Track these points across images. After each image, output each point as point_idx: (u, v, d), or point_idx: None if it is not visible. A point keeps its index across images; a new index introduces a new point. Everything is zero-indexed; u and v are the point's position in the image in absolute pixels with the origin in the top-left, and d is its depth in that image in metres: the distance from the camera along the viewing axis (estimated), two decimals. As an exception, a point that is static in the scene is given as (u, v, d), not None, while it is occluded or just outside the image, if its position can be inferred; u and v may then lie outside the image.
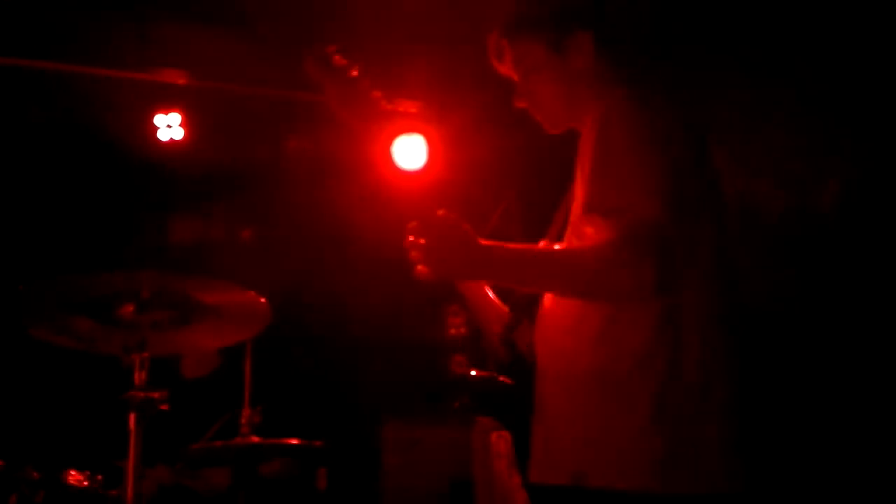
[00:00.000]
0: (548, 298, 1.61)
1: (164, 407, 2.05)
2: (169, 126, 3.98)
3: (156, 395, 2.05)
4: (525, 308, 1.72)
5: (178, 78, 3.74)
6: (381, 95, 1.58)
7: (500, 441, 3.36)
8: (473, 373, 1.70)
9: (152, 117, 3.96)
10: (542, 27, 1.64)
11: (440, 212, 1.50)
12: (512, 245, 1.48)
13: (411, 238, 1.49)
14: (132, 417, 2.01)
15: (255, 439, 2.60)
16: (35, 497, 2.03)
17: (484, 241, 1.48)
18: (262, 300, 2.26)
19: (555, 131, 1.71)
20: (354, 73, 1.57)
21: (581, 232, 1.51)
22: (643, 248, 1.37)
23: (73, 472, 2.12)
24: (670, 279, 1.40)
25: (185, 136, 3.98)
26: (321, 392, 3.93)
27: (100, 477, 2.16)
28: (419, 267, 1.49)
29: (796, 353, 2.81)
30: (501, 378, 1.70)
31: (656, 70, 1.60)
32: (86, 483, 2.13)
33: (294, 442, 2.62)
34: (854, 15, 2.78)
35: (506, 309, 1.80)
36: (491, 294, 1.84)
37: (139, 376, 2.07)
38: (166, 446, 2.57)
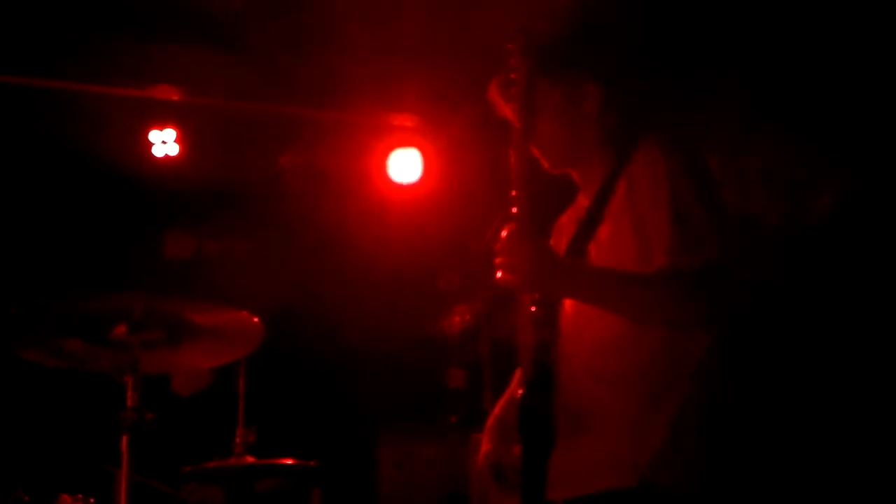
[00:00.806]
0: (584, 317, 1.63)
1: (154, 427, 2.04)
2: (164, 142, 3.98)
3: (148, 416, 2.03)
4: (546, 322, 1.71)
5: (172, 94, 3.74)
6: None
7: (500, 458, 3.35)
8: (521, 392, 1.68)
9: (147, 134, 3.96)
10: (563, 71, 1.71)
11: (527, 222, 1.52)
12: (595, 266, 1.57)
13: (500, 244, 1.53)
14: (124, 439, 2.00)
15: (250, 459, 2.59)
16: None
17: (570, 258, 1.56)
18: (255, 319, 2.25)
19: (553, 171, 1.77)
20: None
21: (624, 267, 1.58)
22: (718, 284, 1.48)
23: (65, 496, 2.11)
24: (740, 312, 1.52)
25: (179, 153, 3.98)
26: (316, 409, 3.92)
27: (92, 500, 2.14)
28: (503, 274, 1.52)
29: (795, 361, 2.81)
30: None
31: (658, 94, 1.65)
32: (78, 505, 2.12)
33: (288, 462, 2.61)
34: (848, 22, 2.80)
35: None
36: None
37: (131, 397, 2.05)
38: (161, 465, 2.55)
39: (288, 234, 4.18)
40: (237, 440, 2.62)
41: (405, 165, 4.18)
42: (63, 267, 3.71)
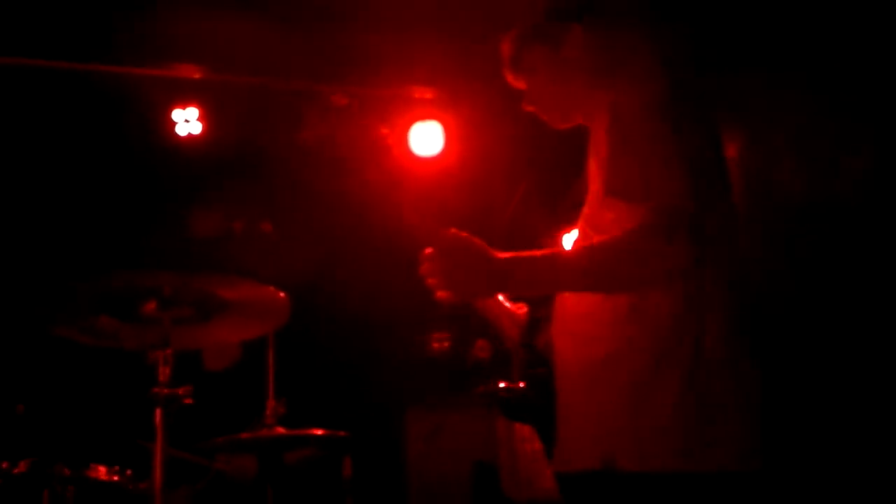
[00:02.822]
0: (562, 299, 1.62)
1: (189, 401, 2.08)
2: (187, 121, 4.00)
3: (180, 390, 2.08)
4: (539, 306, 1.73)
5: (194, 72, 3.75)
6: None
7: (525, 425, 3.37)
8: (502, 385, 1.69)
9: (170, 113, 3.99)
10: (537, 26, 1.68)
11: (450, 231, 1.50)
12: (529, 253, 1.48)
13: (426, 265, 1.51)
14: (158, 413, 2.05)
15: (281, 430, 2.63)
16: (66, 492, 2.08)
17: (500, 254, 1.48)
18: (282, 294, 2.28)
19: (560, 127, 1.72)
20: None
21: (599, 221, 1.51)
22: (674, 234, 1.37)
23: (101, 468, 2.17)
24: (700, 261, 1.41)
25: (203, 131, 4.00)
26: (344, 381, 3.96)
27: (129, 472, 2.20)
28: (439, 293, 1.50)
29: (817, 332, 2.79)
30: (521, 383, 1.70)
31: (664, 56, 1.59)
32: (115, 478, 2.18)
33: (318, 432, 2.65)
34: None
35: (520, 312, 1.81)
36: (502, 299, 1.84)
37: (163, 372, 2.10)
38: (194, 438, 2.61)
39: (311, 210, 4.21)
40: (268, 412, 2.67)
41: (426, 138, 4.18)
42: (92, 247, 3.77)
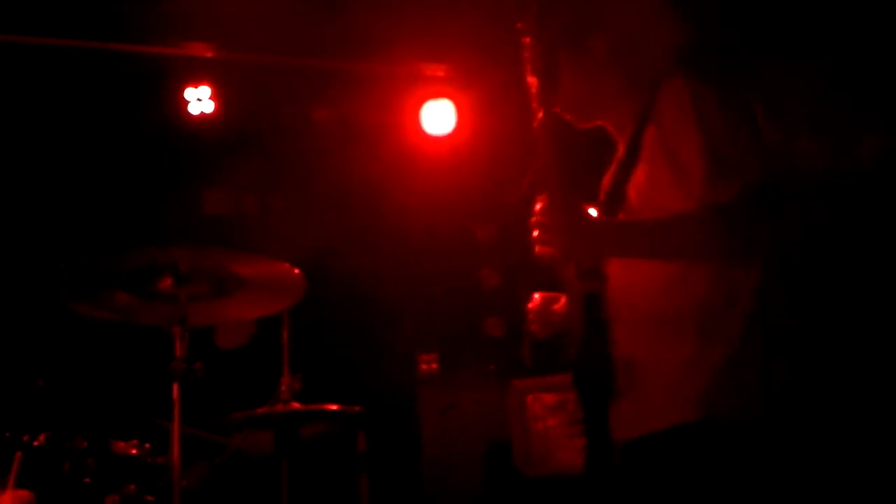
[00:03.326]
0: (631, 262, 1.62)
1: (202, 376, 2.11)
2: (199, 100, 4.01)
3: (197, 365, 2.10)
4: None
5: (205, 51, 3.75)
6: None
7: (536, 403, 3.40)
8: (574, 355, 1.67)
9: (182, 92, 4.00)
10: (565, 29, 1.71)
11: (558, 192, 1.53)
12: (625, 219, 1.57)
13: (535, 218, 1.54)
14: (175, 388, 2.07)
15: (296, 405, 2.66)
16: (86, 465, 2.11)
17: (603, 220, 1.56)
18: (297, 271, 2.29)
19: (583, 126, 1.78)
20: None
21: (661, 199, 1.57)
22: (767, 209, 1.47)
23: (120, 442, 2.20)
24: (783, 236, 1.50)
25: (215, 109, 4.01)
26: (357, 359, 3.99)
27: (147, 445, 2.24)
28: (539, 248, 1.54)
29: (840, 301, 2.79)
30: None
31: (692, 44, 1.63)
32: (133, 451, 2.21)
33: (333, 407, 2.68)
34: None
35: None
36: None
37: (180, 347, 2.12)
38: (209, 416, 2.64)
39: (323, 188, 4.21)
40: (283, 388, 2.69)
41: (438, 117, 4.16)
42: (107, 225, 3.80)
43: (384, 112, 4.15)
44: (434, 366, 4.20)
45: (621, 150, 1.73)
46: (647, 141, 1.63)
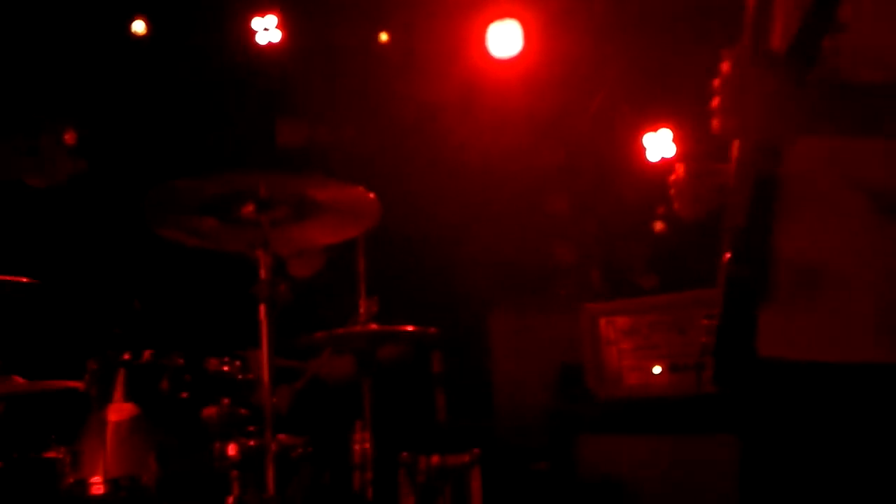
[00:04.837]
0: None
1: (289, 297, 2.18)
2: (266, 29, 4.02)
3: (281, 287, 2.17)
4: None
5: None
6: None
7: (609, 327, 3.40)
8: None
9: (250, 21, 4.02)
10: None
11: (755, 45, 1.19)
12: (849, 86, 1.16)
13: (719, 85, 1.19)
14: (262, 308, 2.15)
15: (374, 327, 2.73)
16: (183, 380, 2.24)
17: (818, 89, 1.15)
18: (372, 195, 2.31)
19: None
20: None
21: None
22: None
23: (213, 359, 2.31)
24: None
25: (282, 38, 4.02)
26: (428, 286, 4.04)
27: (238, 363, 2.34)
28: (721, 120, 1.19)
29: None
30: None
31: None
32: (226, 368, 2.32)
33: (409, 329, 2.74)
34: None
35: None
36: None
37: (264, 271, 2.19)
38: (292, 335, 2.74)
39: (390, 115, 4.21)
40: (361, 310, 2.76)
41: (504, 39, 4.08)
42: (189, 153, 3.90)
43: (449, 35, 4.10)
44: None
45: None
46: None
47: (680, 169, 1.52)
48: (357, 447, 2.62)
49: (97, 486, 2.13)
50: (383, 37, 4.19)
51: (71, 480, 2.15)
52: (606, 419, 3.13)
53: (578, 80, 4.29)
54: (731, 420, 1.51)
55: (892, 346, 1.19)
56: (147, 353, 2.25)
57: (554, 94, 4.18)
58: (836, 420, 1.23)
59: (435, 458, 2.75)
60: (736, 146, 1.34)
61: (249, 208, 2.25)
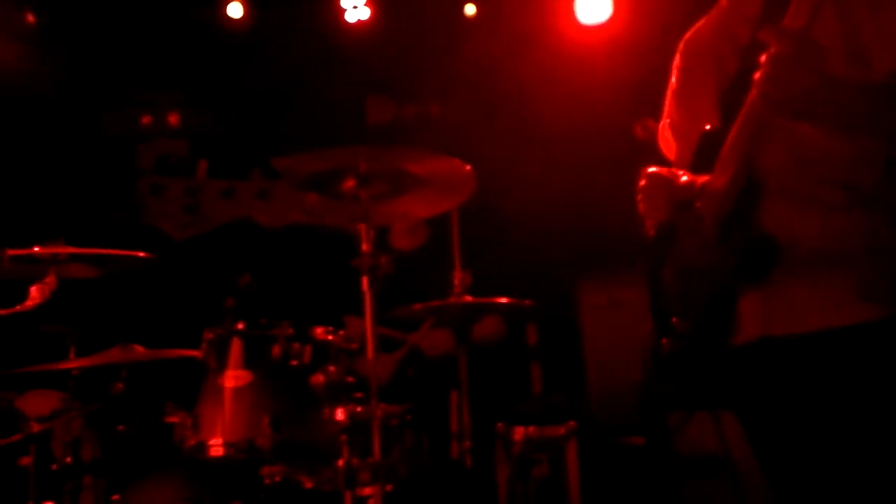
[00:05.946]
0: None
1: (390, 270, 2.23)
2: (355, 7, 4.07)
3: (382, 259, 2.22)
4: None
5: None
6: None
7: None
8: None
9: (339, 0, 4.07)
10: None
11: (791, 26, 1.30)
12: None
13: (770, 58, 1.30)
14: (364, 280, 2.21)
15: (469, 299, 2.77)
16: (292, 348, 2.35)
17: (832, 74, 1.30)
18: (468, 168, 2.34)
19: None
20: None
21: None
22: None
23: (319, 328, 2.41)
24: None
25: (371, 16, 4.06)
26: (523, 256, 4.05)
27: (342, 332, 2.43)
28: (766, 87, 1.33)
29: None
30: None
31: None
32: (331, 337, 2.41)
33: (504, 301, 2.76)
34: None
35: None
36: None
37: (366, 244, 2.25)
38: (389, 307, 2.80)
39: (478, 88, 4.21)
40: (455, 282, 2.80)
41: (593, 4, 4.02)
42: (279, 133, 4.02)
43: (536, 3, 4.06)
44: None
45: None
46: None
47: (646, 177, 1.68)
48: (455, 417, 2.67)
49: (216, 447, 2.26)
50: (470, 9, 4.18)
51: (192, 443, 2.29)
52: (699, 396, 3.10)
53: (669, 46, 4.17)
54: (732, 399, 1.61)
55: (872, 308, 1.33)
56: (258, 322, 2.35)
57: (643, 63, 4.08)
58: (828, 382, 1.36)
59: (532, 430, 2.78)
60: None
61: (350, 184, 2.31)
